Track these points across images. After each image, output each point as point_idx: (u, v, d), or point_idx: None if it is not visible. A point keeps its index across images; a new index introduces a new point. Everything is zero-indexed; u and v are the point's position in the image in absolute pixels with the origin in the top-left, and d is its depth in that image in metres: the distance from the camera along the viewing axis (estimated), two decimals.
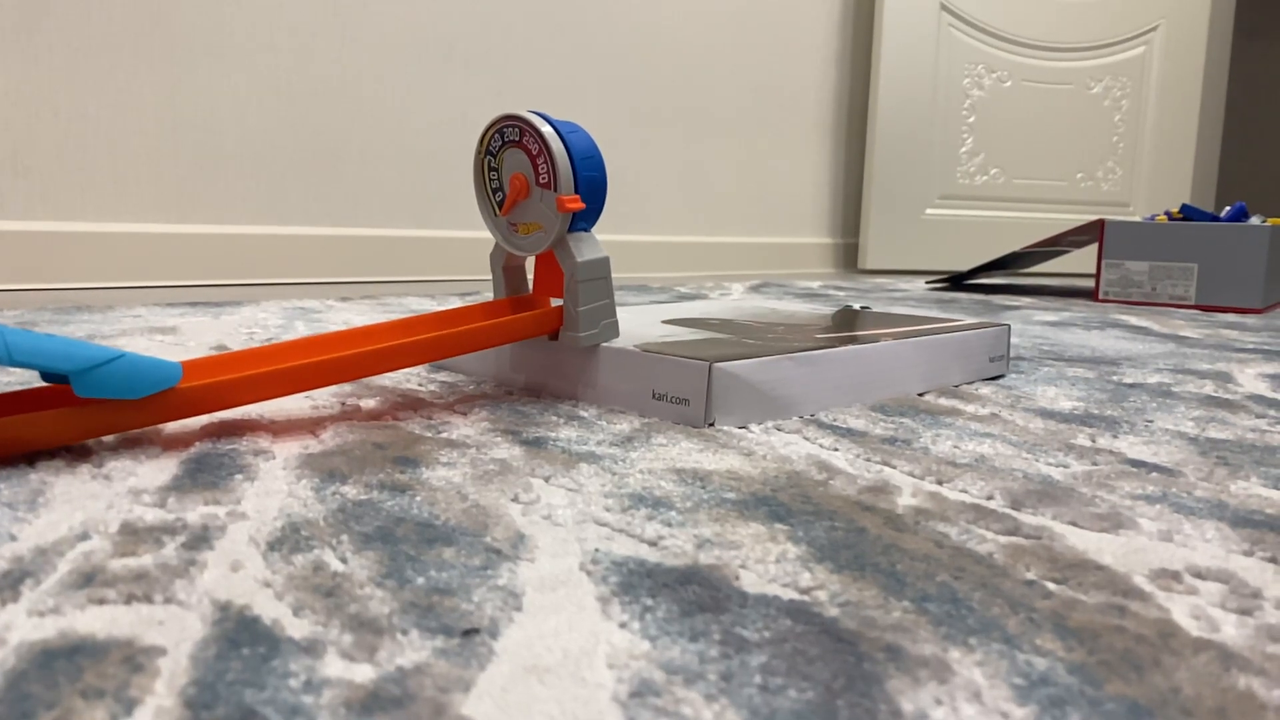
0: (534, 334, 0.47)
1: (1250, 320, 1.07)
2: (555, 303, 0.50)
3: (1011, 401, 0.51)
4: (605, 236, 1.60)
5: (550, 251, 0.48)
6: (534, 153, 0.46)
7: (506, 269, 0.51)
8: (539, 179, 0.46)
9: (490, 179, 0.49)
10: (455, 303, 1.01)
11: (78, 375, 0.34)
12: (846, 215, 2.02)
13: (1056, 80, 2.05)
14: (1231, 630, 0.23)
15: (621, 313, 0.62)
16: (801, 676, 0.20)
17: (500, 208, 0.48)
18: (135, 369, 0.35)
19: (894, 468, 0.37)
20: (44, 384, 0.46)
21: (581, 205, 0.45)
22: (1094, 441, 0.42)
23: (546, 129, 0.45)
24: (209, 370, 0.41)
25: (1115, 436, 0.43)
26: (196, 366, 0.41)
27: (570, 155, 0.45)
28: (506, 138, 0.47)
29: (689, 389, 0.43)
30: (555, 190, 0.45)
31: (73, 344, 0.34)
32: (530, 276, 1.10)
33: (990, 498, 0.33)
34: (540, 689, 0.19)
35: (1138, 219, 1.34)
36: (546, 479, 0.34)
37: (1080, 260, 2.14)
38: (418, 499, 0.31)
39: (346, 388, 0.50)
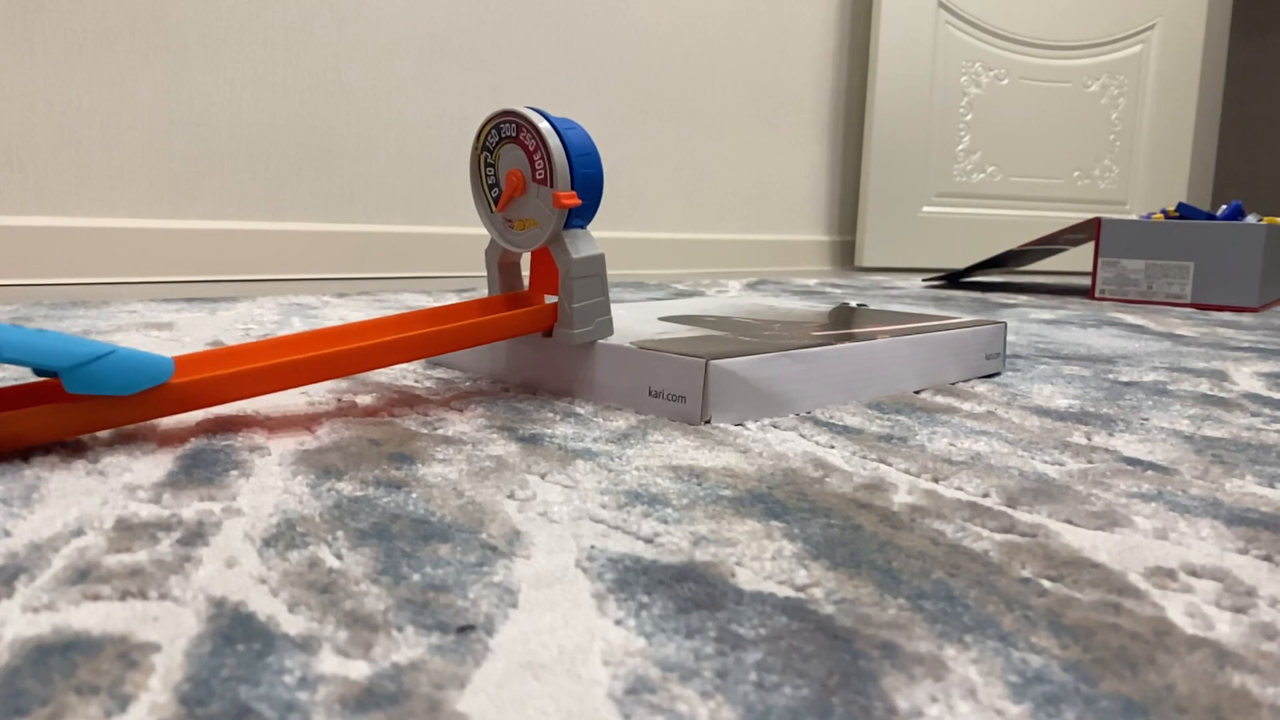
0: (529, 331, 0.47)
1: (1246, 319, 1.07)
2: (550, 299, 0.49)
3: (1008, 399, 0.51)
4: (602, 233, 1.60)
5: (546, 248, 0.48)
6: (531, 149, 0.46)
7: (501, 265, 0.51)
8: (535, 175, 0.46)
9: (486, 175, 0.49)
10: (452, 299, 1.01)
11: (68, 371, 0.34)
12: (843, 213, 2.02)
13: (1053, 78, 2.05)
14: (1226, 628, 0.23)
15: (618, 310, 0.62)
16: (797, 674, 0.20)
17: (496, 204, 0.48)
18: (126, 365, 0.35)
19: (890, 465, 0.37)
20: (37, 379, 0.46)
21: (578, 202, 0.45)
22: (1090, 439, 0.42)
23: (544, 125, 0.45)
24: (203, 365, 0.41)
25: (1111, 434, 0.43)
26: (191, 361, 0.41)
27: (567, 152, 0.45)
28: (503, 133, 0.47)
29: (685, 386, 0.43)
30: (551, 186, 0.45)
31: (64, 339, 0.34)
32: (526, 273, 1.09)
33: (986, 495, 0.33)
34: (535, 685, 0.19)
35: (1134, 217, 1.34)
36: (542, 476, 0.34)
37: (1077, 258, 2.14)
38: (413, 495, 0.31)
39: (343, 384, 0.50)
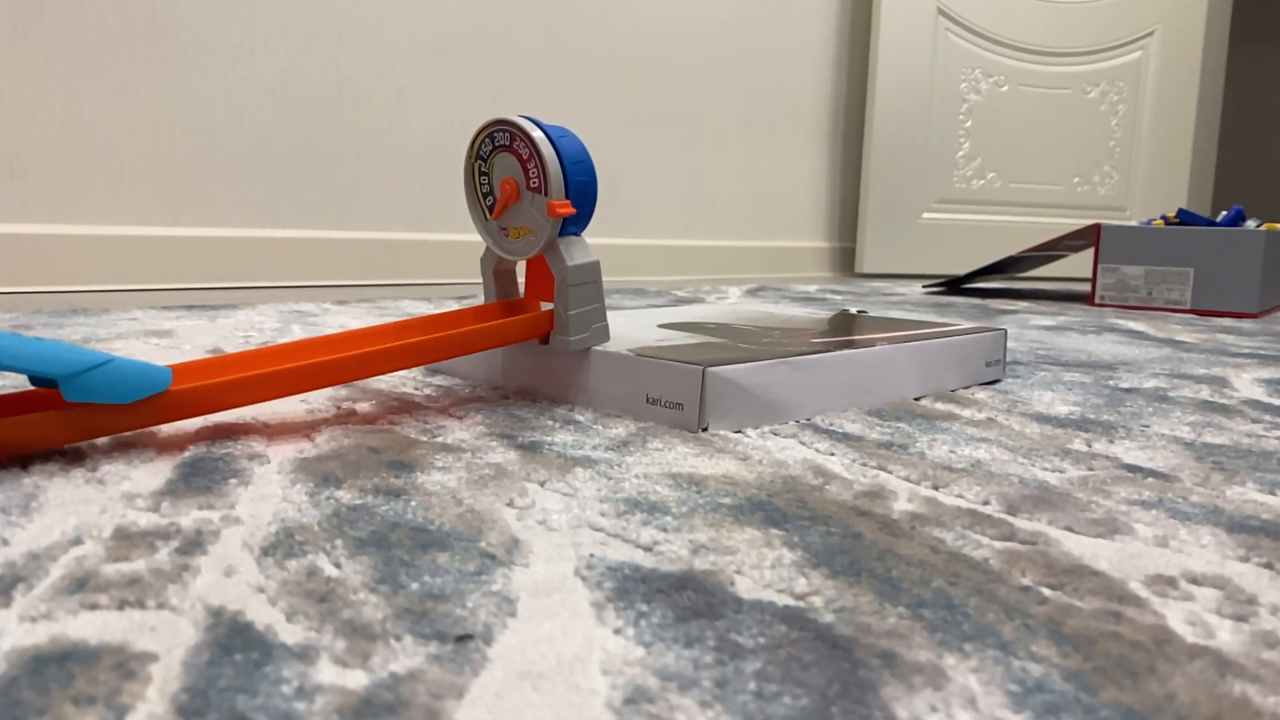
0: (525, 338, 0.47)
1: (1246, 325, 1.07)
2: (546, 306, 0.50)
3: (1008, 406, 0.51)
4: (602, 240, 1.60)
5: (541, 256, 0.48)
6: (525, 157, 0.46)
7: (497, 273, 0.51)
8: (530, 184, 0.46)
9: (481, 183, 0.49)
10: (451, 306, 1.01)
11: (66, 380, 0.34)
12: (844, 219, 2.02)
13: (1053, 85, 2.05)
14: (1227, 636, 0.23)
15: (617, 316, 0.62)
16: (796, 683, 0.20)
17: (491, 212, 0.48)
18: (123, 374, 0.35)
19: (890, 472, 0.37)
20: (34, 387, 0.46)
21: (572, 210, 0.45)
22: (1090, 446, 0.42)
23: (537, 134, 0.45)
24: (202, 373, 0.41)
25: (1111, 441, 0.43)
26: (190, 369, 0.41)
27: (561, 160, 0.45)
28: (497, 142, 0.47)
29: (682, 393, 0.43)
30: (546, 195, 0.45)
31: (61, 348, 0.34)
32: (521, 281, 1.09)
33: (986, 503, 0.33)
34: (534, 695, 0.19)
35: (1134, 223, 1.34)
36: (542, 484, 0.34)
37: (1077, 265, 2.14)
38: (412, 504, 0.31)
39: (341, 391, 0.50)
